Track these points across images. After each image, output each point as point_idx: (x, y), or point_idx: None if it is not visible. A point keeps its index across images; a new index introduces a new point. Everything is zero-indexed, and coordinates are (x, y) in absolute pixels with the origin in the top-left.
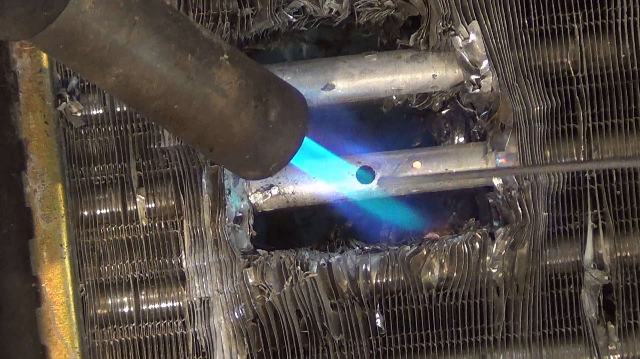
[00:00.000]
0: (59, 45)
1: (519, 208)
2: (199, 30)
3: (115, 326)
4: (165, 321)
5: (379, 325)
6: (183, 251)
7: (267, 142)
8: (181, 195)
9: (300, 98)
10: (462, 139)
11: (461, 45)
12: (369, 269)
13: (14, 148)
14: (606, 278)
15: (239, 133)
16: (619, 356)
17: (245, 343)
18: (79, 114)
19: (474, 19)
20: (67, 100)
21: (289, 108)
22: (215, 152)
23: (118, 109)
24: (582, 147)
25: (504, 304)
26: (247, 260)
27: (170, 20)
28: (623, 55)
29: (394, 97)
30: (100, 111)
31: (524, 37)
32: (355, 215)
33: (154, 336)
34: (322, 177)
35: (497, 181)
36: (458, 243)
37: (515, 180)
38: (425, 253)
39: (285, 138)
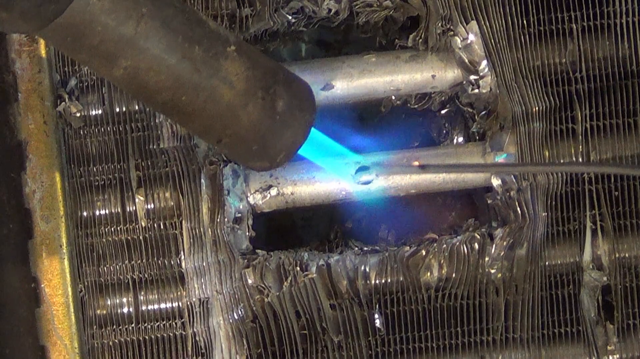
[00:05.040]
0: (66, 38)
1: (518, 209)
2: (206, 22)
3: (114, 326)
4: (164, 322)
5: (378, 326)
6: (182, 252)
7: (275, 133)
8: (180, 196)
9: (307, 89)
10: (461, 139)
11: (460, 46)
12: (368, 269)
13: (14, 148)
14: (605, 278)
15: (247, 124)
16: (617, 356)
17: (245, 343)
18: (78, 114)
19: (472, 20)
20: (67, 100)
21: (296, 99)
22: (223, 144)
23: (117, 110)
24: (581, 147)
25: (503, 305)
26: (246, 260)
27: (177, 12)
28: (621, 56)
29: (393, 97)
30: (100, 111)
31: (522, 37)
32: (355, 216)
33: (153, 336)
34: (329, 167)
35: (496, 182)
36: (457, 243)
37: (514, 181)
38: (424, 253)
39: (292, 129)
